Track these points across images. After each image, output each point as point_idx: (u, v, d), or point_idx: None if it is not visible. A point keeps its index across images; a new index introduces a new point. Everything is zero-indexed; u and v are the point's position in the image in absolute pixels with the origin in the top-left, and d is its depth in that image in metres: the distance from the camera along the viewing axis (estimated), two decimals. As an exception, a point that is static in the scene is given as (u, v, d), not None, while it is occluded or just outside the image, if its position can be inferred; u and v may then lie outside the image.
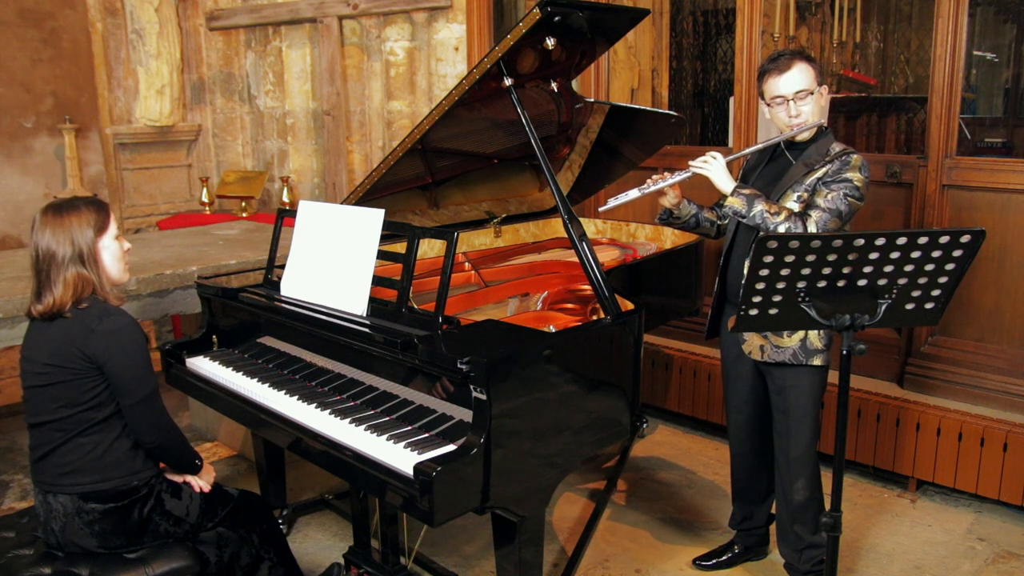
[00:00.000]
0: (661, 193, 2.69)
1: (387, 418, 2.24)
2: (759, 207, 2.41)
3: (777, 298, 1.83)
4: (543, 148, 2.64)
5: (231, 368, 2.68)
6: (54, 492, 2.15)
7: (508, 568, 2.20)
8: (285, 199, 5.65)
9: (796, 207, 2.44)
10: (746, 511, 2.89)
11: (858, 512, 3.29)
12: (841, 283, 1.81)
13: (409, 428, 2.17)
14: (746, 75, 3.84)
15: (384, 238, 2.39)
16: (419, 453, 2.01)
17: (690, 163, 2.54)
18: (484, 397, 1.96)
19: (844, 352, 1.85)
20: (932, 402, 3.36)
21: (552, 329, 2.33)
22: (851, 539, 3.07)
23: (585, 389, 2.27)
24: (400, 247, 2.39)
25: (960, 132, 3.37)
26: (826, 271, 1.78)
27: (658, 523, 3.24)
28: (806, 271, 1.78)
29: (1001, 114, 5.81)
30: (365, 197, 2.89)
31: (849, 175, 2.40)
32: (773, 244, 1.72)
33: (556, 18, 2.50)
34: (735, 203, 2.45)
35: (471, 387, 1.98)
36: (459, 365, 1.98)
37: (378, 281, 2.39)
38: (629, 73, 5.21)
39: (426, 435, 2.12)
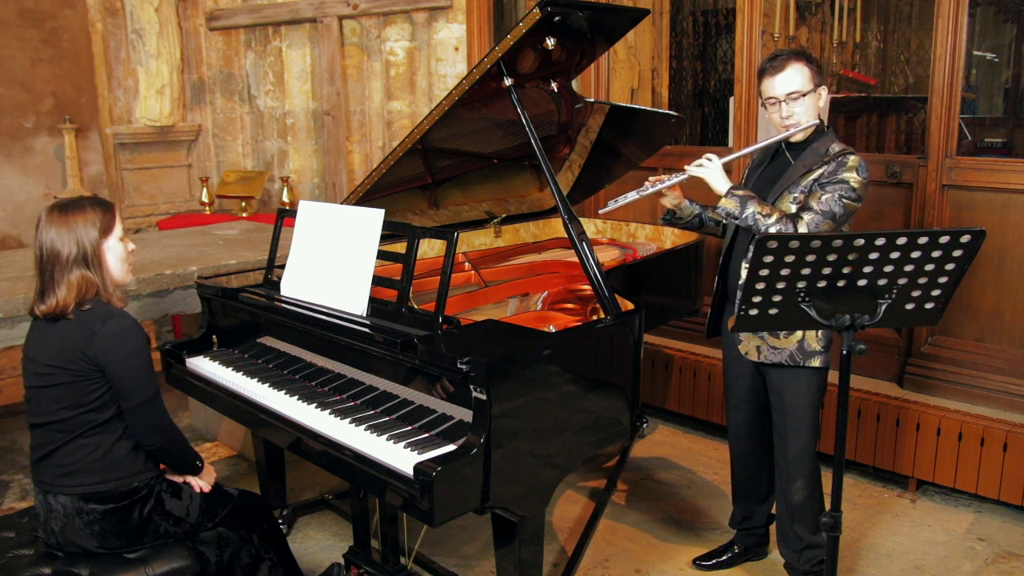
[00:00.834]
0: (661, 194, 2.70)
1: (387, 418, 2.24)
2: (751, 208, 2.41)
3: (777, 298, 1.83)
4: (543, 148, 2.64)
5: (231, 368, 2.68)
6: (54, 492, 2.14)
7: (508, 568, 2.20)
8: (285, 199, 5.65)
9: (793, 208, 2.44)
10: (746, 511, 2.89)
11: (858, 512, 3.29)
12: (841, 283, 1.81)
13: (409, 428, 2.17)
14: (746, 75, 3.84)
15: (384, 238, 2.39)
16: (419, 453, 2.01)
17: (686, 166, 2.56)
18: (484, 397, 1.96)
19: (844, 352, 1.85)
20: (932, 402, 3.36)
21: (552, 329, 2.33)
22: (851, 539, 3.07)
23: (585, 389, 2.27)
24: (400, 247, 2.39)
25: (960, 132, 3.37)
26: (826, 271, 1.78)
27: (658, 523, 3.24)
28: (806, 271, 1.78)
29: (1001, 114, 5.81)
30: (365, 197, 2.89)
31: (845, 176, 2.39)
32: (773, 244, 1.72)
33: (556, 18, 2.50)
34: (728, 204, 2.46)
35: (471, 387, 1.98)
36: (459, 365, 1.98)
37: (378, 281, 2.39)
38: (629, 73, 5.21)
39: (426, 435, 2.12)
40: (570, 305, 2.97)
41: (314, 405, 2.35)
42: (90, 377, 2.09)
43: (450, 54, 5.05)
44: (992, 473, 3.18)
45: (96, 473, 2.13)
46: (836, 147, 2.47)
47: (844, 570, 2.90)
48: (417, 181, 3.21)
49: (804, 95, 2.44)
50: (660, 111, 3.84)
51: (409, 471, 1.95)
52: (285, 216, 2.77)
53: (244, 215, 5.60)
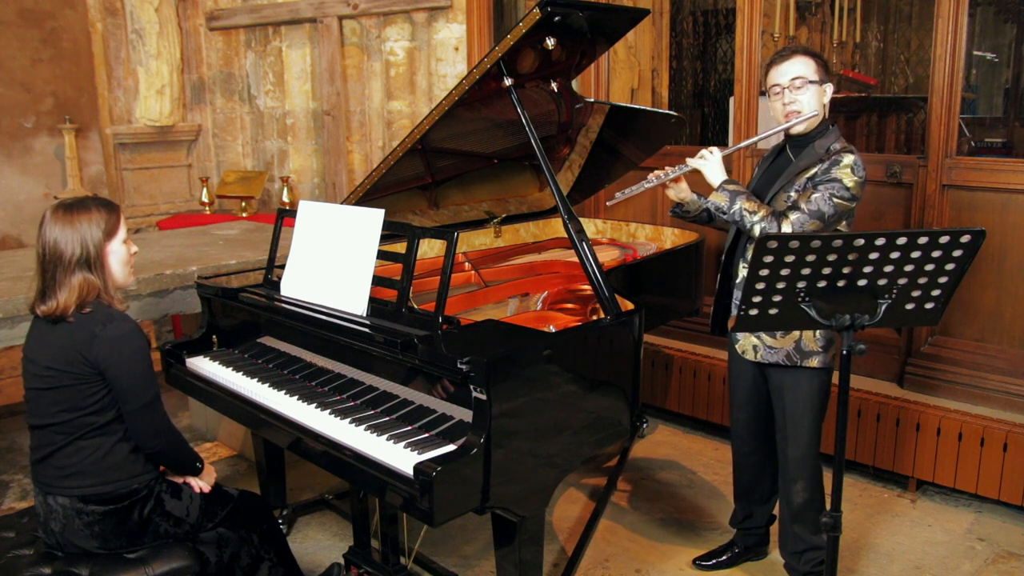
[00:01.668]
0: (665, 187, 2.70)
1: (387, 418, 2.24)
2: (739, 204, 2.41)
3: (777, 298, 1.83)
4: (543, 148, 2.64)
5: (231, 368, 2.68)
6: (54, 493, 2.14)
7: (508, 568, 2.20)
8: (285, 199, 5.65)
9: (787, 207, 2.43)
10: (748, 510, 2.89)
11: (858, 512, 3.29)
12: (841, 283, 1.81)
13: (409, 428, 2.17)
14: (746, 75, 3.84)
15: (384, 238, 2.39)
16: (419, 453, 2.01)
17: (687, 159, 2.57)
18: (484, 397, 1.96)
19: (844, 352, 1.85)
20: (932, 402, 3.36)
21: (552, 329, 2.33)
22: (851, 539, 3.07)
23: (585, 389, 2.27)
24: (400, 247, 2.39)
25: (960, 133, 3.37)
26: (826, 271, 1.78)
27: (658, 523, 3.24)
28: (806, 271, 1.78)
29: (1001, 114, 5.81)
30: (365, 197, 2.89)
31: (838, 175, 2.37)
32: (773, 244, 1.72)
33: (556, 18, 2.50)
34: (718, 199, 2.46)
35: (471, 387, 1.98)
36: (459, 365, 1.98)
37: (378, 281, 2.39)
38: (629, 73, 5.21)
39: (426, 435, 2.12)
40: (570, 305, 2.97)
41: (314, 405, 2.35)
42: (90, 380, 2.08)
43: (450, 54, 5.05)
44: (992, 473, 3.18)
45: (96, 475, 2.13)
46: (837, 145, 2.45)
47: (844, 570, 2.90)
48: (417, 181, 3.21)
49: (809, 83, 2.43)
50: (660, 111, 3.84)
51: (409, 471, 1.95)
52: (285, 216, 2.77)
53: (244, 215, 5.60)
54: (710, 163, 2.52)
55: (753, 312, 1.85)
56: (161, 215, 5.89)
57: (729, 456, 2.91)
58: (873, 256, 1.76)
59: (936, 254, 1.76)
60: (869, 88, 5.92)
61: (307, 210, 2.63)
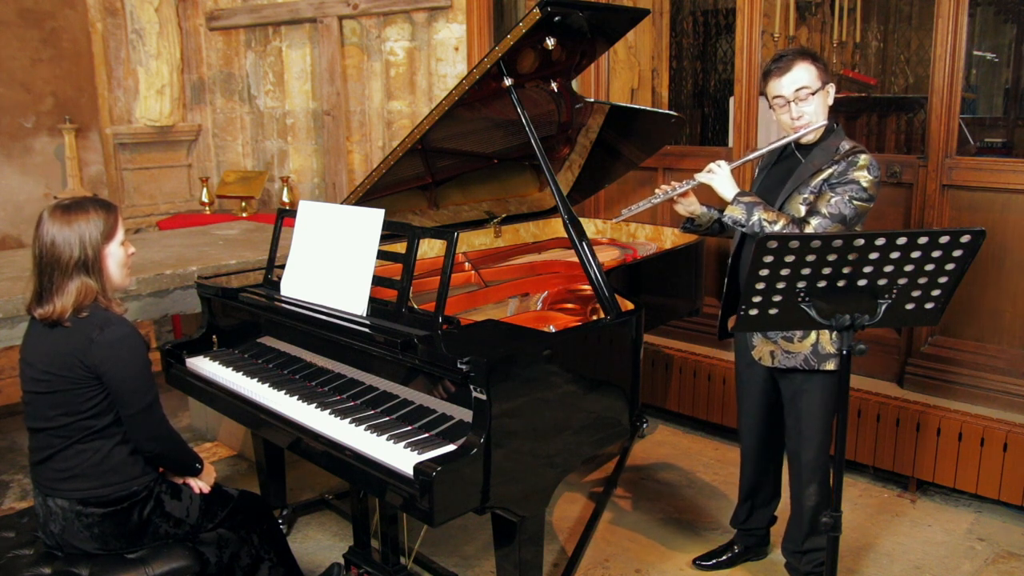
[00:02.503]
0: (673, 201, 2.66)
1: (387, 418, 2.24)
2: (757, 215, 2.38)
3: (777, 298, 1.83)
4: (543, 148, 2.64)
5: (231, 368, 2.68)
6: (53, 495, 2.14)
7: (508, 568, 2.20)
8: (285, 199, 5.65)
9: (803, 210, 2.41)
10: (751, 512, 2.88)
11: (858, 512, 3.29)
12: (841, 283, 1.81)
13: (409, 428, 2.17)
14: (746, 75, 3.84)
15: (384, 238, 2.38)
16: (419, 453, 2.01)
17: (695, 174, 2.53)
18: (484, 397, 1.96)
19: (844, 352, 1.85)
20: (932, 402, 3.36)
21: (552, 329, 2.33)
22: (851, 539, 3.07)
23: (585, 389, 2.27)
24: (400, 247, 2.39)
25: (960, 133, 3.37)
26: (826, 271, 1.78)
27: (658, 523, 3.24)
28: (806, 271, 1.78)
29: (1001, 114, 5.81)
30: (365, 197, 2.89)
31: (855, 176, 2.36)
32: (773, 244, 1.72)
33: (556, 18, 2.50)
34: (734, 212, 2.43)
35: (471, 387, 1.98)
36: (459, 365, 1.98)
37: (378, 281, 2.39)
38: (629, 73, 5.21)
39: (426, 435, 2.12)
40: (570, 305, 2.97)
41: (314, 405, 2.35)
42: (88, 384, 2.07)
43: (450, 54, 5.05)
44: (992, 473, 3.18)
45: (95, 478, 2.12)
46: (846, 145, 2.43)
47: (844, 570, 2.90)
48: (417, 181, 3.21)
49: (813, 93, 2.40)
50: (660, 111, 3.84)
51: (409, 471, 1.95)
52: (285, 216, 2.77)
53: (244, 215, 5.60)
54: (719, 176, 2.48)
55: (753, 312, 1.85)
56: (161, 215, 5.89)
57: (729, 456, 2.91)
58: (873, 256, 1.76)
59: (936, 254, 1.76)
60: (869, 88, 5.92)
61: (307, 210, 2.63)
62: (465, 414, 2.04)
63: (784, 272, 1.77)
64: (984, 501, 3.31)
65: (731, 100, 3.99)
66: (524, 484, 2.11)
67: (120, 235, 2.17)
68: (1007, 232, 3.25)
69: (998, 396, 3.29)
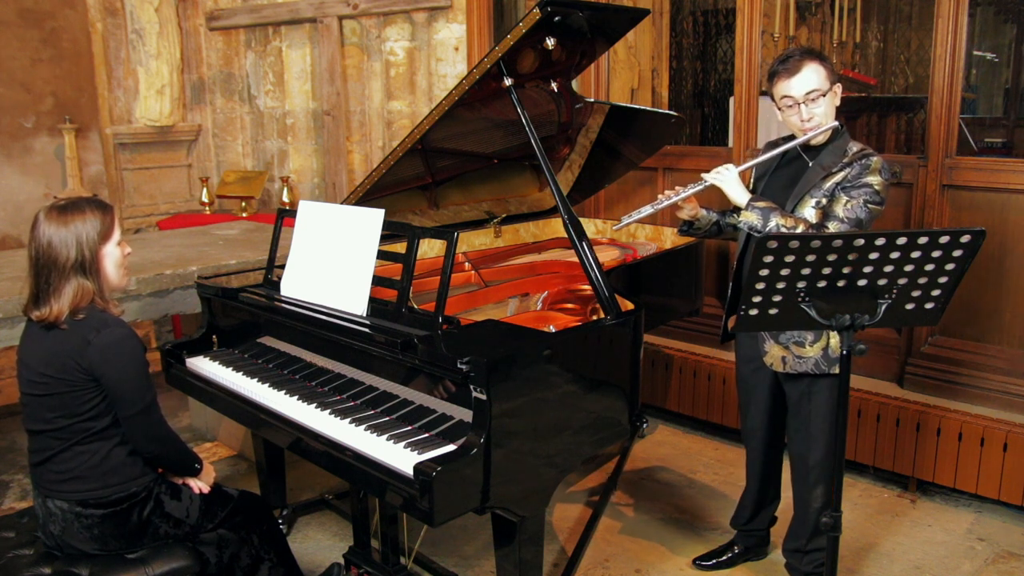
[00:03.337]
0: (677, 207, 2.62)
1: (387, 418, 2.24)
2: (774, 221, 2.35)
3: (777, 298, 1.83)
4: (543, 148, 2.64)
5: (231, 368, 2.68)
6: (53, 497, 2.14)
7: (508, 568, 2.20)
8: (285, 199, 5.65)
9: (813, 213, 2.39)
10: (753, 512, 2.88)
11: (858, 512, 3.29)
12: (841, 283, 1.81)
13: (409, 428, 2.17)
14: (746, 75, 3.84)
15: (384, 238, 2.38)
16: (419, 453, 2.01)
17: (703, 175, 2.50)
18: (484, 397, 1.96)
19: (844, 352, 1.85)
20: (932, 402, 3.36)
21: (552, 329, 2.33)
22: (851, 539, 3.07)
23: (585, 389, 2.27)
24: (400, 247, 2.39)
25: (961, 133, 3.37)
26: (826, 271, 1.78)
27: (658, 523, 3.24)
28: (806, 271, 1.78)
29: (1001, 114, 5.81)
30: (365, 197, 2.89)
31: (869, 179, 2.34)
32: (773, 244, 1.72)
33: (556, 18, 2.50)
34: (750, 217, 2.39)
35: (471, 387, 1.98)
36: (459, 365, 1.98)
37: (378, 281, 2.39)
38: (629, 73, 5.21)
39: (426, 435, 2.12)
40: (570, 305, 2.97)
41: (314, 405, 2.35)
42: (85, 387, 2.07)
43: (450, 54, 5.05)
44: (992, 473, 3.18)
45: (94, 479, 2.12)
46: (854, 146, 2.42)
47: (844, 570, 2.90)
48: (417, 181, 3.21)
49: (823, 95, 2.38)
50: (660, 111, 3.84)
51: (409, 471, 1.95)
52: (285, 216, 2.77)
53: (244, 215, 5.60)
54: (729, 180, 2.44)
55: (753, 312, 1.85)
56: (161, 215, 5.89)
57: (729, 456, 2.91)
58: (873, 256, 1.76)
59: (936, 254, 1.76)
60: (869, 88, 5.93)
61: (307, 210, 2.63)
62: (465, 414, 2.04)
63: (784, 272, 1.77)
64: (984, 501, 3.31)
65: (731, 100, 3.99)
66: (524, 484, 2.11)
67: (117, 235, 2.16)
68: (1007, 232, 3.25)
69: (998, 396, 3.29)
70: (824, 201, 2.39)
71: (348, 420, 2.23)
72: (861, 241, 1.73)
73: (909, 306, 1.87)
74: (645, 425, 4.09)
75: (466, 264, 3.23)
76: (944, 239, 1.73)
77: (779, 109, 2.47)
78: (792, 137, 2.51)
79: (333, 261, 2.48)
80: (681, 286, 3.35)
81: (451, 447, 2.03)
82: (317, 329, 2.43)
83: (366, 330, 2.26)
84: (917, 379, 3.48)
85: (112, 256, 2.15)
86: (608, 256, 3.33)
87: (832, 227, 2.33)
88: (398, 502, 2.01)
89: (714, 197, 2.60)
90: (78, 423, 2.09)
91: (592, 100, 3.34)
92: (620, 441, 2.84)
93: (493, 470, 1.99)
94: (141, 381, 2.10)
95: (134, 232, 5.58)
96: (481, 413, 1.98)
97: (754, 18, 3.80)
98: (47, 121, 5.52)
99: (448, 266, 2.25)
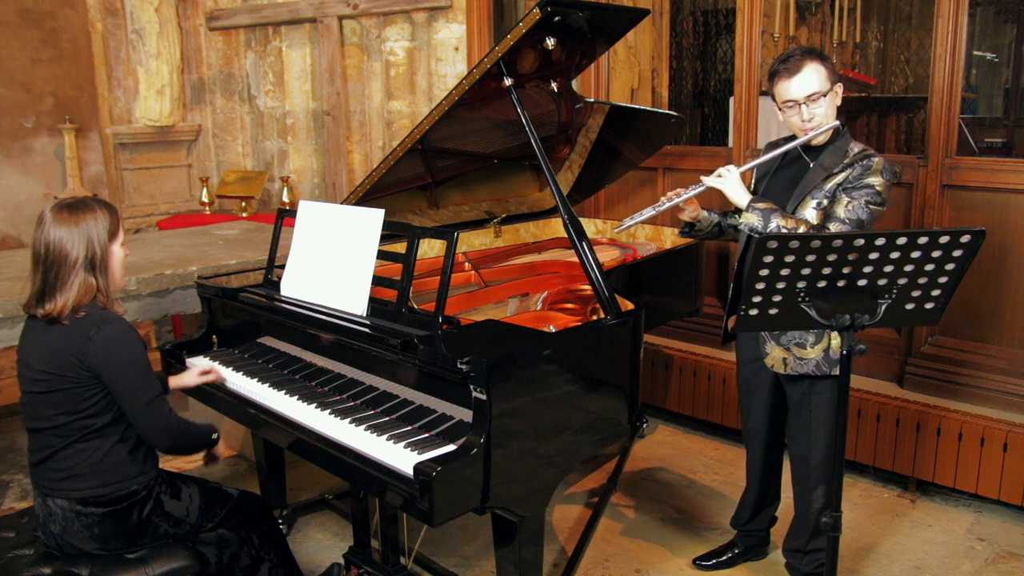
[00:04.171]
0: (678, 208, 2.61)
1: (387, 418, 2.24)
2: (775, 222, 2.35)
3: (777, 298, 1.83)
4: (543, 148, 2.64)
5: (231, 368, 2.68)
6: (53, 496, 2.14)
7: (508, 568, 2.20)
8: (285, 199, 5.65)
9: (815, 214, 2.38)
10: (753, 513, 2.88)
11: (858, 512, 3.29)
12: (841, 283, 1.81)
13: (409, 428, 2.17)
14: (746, 75, 3.84)
15: (384, 238, 2.38)
16: (419, 453, 2.01)
17: (703, 178, 2.49)
18: (484, 397, 1.96)
19: (844, 352, 1.85)
20: (932, 402, 3.36)
21: (552, 329, 2.33)
22: (851, 539, 3.07)
23: (585, 389, 2.27)
24: (400, 247, 2.39)
25: (961, 133, 3.37)
26: (826, 271, 1.78)
27: (658, 523, 3.24)
28: (806, 271, 1.77)
29: (1001, 114, 5.81)
30: (365, 197, 2.89)
31: (871, 180, 2.34)
32: (773, 244, 1.72)
33: (556, 18, 2.50)
34: (751, 219, 2.39)
35: (471, 387, 1.98)
36: (459, 365, 1.98)
37: (378, 281, 2.39)
38: (629, 73, 5.21)
39: (426, 435, 2.12)
40: (570, 305, 2.97)
41: (314, 405, 2.35)
42: (86, 383, 2.07)
43: (450, 54, 5.05)
44: (992, 473, 3.18)
45: (94, 477, 2.12)
46: (856, 147, 2.41)
47: (844, 570, 2.90)
48: (417, 181, 3.21)
49: (824, 95, 2.38)
50: (660, 111, 3.84)
51: (409, 471, 1.95)
52: (285, 216, 2.77)
53: (244, 215, 5.60)
54: (730, 182, 2.43)
55: (753, 312, 1.85)
56: (161, 215, 5.89)
57: (729, 456, 2.91)
58: (873, 256, 1.76)
59: (936, 254, 1.76)
60: (869, 88, 5.93)
61: (307, 210, 2.63)
62: (465, 414, 2.04)
63: (784, 272, 1.77)
64: (984, 501, 3.31)
65: (731, 100, 4.00)
66: (524, 484, 2.11)
67: (122, 235, 2.19)
68: (1007, 232, 3.25)
69: (998, 396, 3.29)
70: (825, 202, 2.39)
71: (348, 420, 2.23)
72: (861, 241, 1.73)
73: (909, 306, 1.87)
74: (645, 425, 4.09)
75: (466, 264, 3.23)
76: (944, 239, 1.73)
77: (779, 109, 2.47)
78: (793, 137, 2.50)
79: (333, 261, 2.48)
80: (681, 286, 3.35)
81: (451, 447, 2.03)
82: (317, 329, 2.43)
83: (366, 330, 2.26)
84: (917, 379, 3.48)
85: (117, 256, 2.18)
86: (608, 256, 3.33)
87: (833, 228, 2.33)
88: (398, 502, 2.01)
89: (715, 198, 2.59)
90: (78, 420, 2.10)
91: (592, 100, 3.34)
92: (620, 441, 2.84)
93: (493, 470, 1.99)
94: (143, 375, 2.11)
95: (134, 232, 5.57)
96: (481, 413, 1.98)
97: (754, 18, 3.80)
98: (47, 121, 5.52)
99: (448, 266, 2.25)
